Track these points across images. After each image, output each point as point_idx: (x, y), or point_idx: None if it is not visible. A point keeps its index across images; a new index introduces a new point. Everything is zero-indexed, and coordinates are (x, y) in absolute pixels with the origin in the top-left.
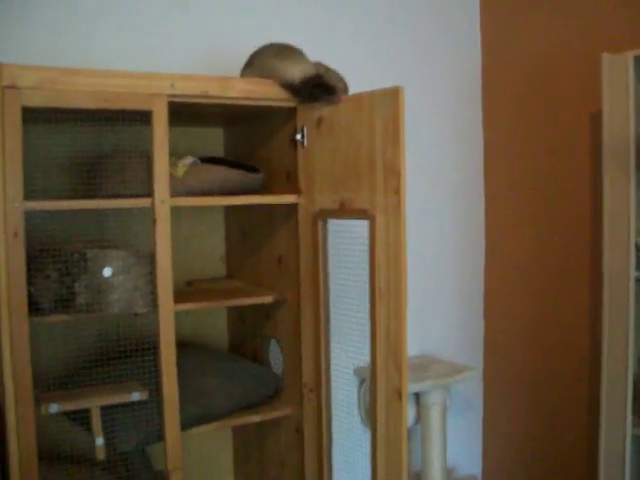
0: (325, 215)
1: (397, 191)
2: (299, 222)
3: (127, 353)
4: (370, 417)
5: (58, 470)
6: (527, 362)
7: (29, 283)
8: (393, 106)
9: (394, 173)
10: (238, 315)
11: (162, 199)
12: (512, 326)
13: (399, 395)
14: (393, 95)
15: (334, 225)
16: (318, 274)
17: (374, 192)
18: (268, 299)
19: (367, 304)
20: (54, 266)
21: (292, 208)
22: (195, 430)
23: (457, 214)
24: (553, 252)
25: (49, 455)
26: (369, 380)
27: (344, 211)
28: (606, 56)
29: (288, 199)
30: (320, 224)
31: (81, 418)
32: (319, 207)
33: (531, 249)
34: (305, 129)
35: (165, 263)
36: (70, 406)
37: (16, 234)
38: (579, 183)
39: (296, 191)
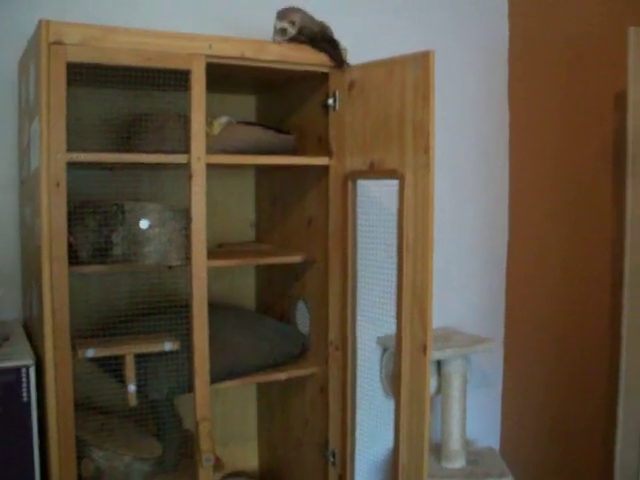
0: (355, 176)
1: (426, 150)
2: (329, 184)
3: (160, 308)
4: (393, 386)
5: (91, 419)
6: (547, 336)
7: (69, 233)
8: (424, 69)
9: (424, 133)
10: (266, 277)
11: (198, 156)
12: (533, 300)
13: (424, 349)
14: (424, 59)
15: (363, 187)
16: (347, 235)
17: (403, 152)
18: (297, 259)
19: (393, 267)
20: (93, 217)
21: (322, 172)
22: (222, 385)
23: (481, 184)
24: (577, 224)
25: (82, 405)
26: (392, 348)
27: (374, 171)
28: (633, 30)
29: (319, 161)
30: (350, 185)
31: (114, 367)
32: (349, 169)
33: (555, 221)
34: (337, 93)
35: (199, 218)
36: (105, 352)
37: (58, 184)
38: (604, 151)
39: (327, 154)
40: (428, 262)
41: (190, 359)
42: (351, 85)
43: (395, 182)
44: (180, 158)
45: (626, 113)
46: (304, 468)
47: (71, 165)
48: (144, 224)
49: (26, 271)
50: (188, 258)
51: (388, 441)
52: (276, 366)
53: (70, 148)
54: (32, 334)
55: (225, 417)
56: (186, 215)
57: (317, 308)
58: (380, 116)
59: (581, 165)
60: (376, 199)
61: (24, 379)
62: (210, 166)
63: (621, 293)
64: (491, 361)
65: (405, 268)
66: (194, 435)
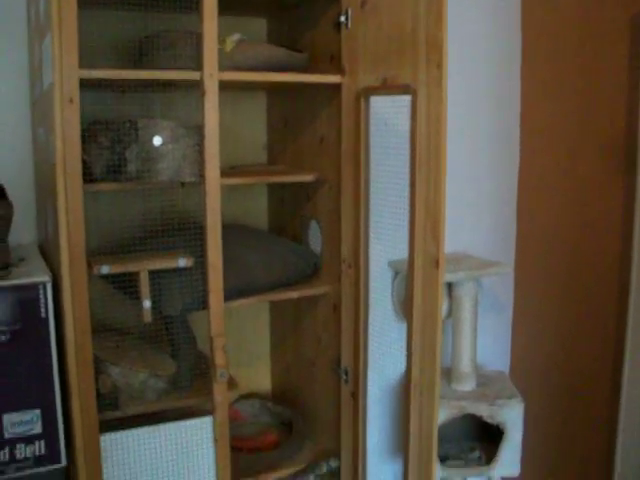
0: (368, 92)
1: (439, 65)
2: (342, 102)
3: (173, 227)
4: (405, 310)
5: (106, 339)
6: (558, 262)
7: (82, 151)
8: None
9: (437, 47)
10: (278, 198)
11: (211, 72)
12: (544, 227)
13: (436, 264)
14: None
15: (376, 106)
16: (359, 153)
17: (416, 68)
18: (309, 178)
19: (405, 188)
20: (106, 135)
21: (334, 91)
22: (235, 303)
23: (493, 105)
24: (589, 152)
25: (97, 326)
26: (404, 272)
27: (386, 87)
28: None
29: (332, 79)
30: (363, 102)
31: (129, 285)
32: (362, 86)
33: (567, 148)
34: (349, 11)
35: (213, 135)
36: (119, 269)
37: (71, 100)
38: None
39: (340, 72)
40: (441, 177)
41: (204, 275)
42: (364, 1)
43: (408, 100)
44: (192, 75)
45: None
46: (316, 388)
47: (83, 87)
48: (157, 141)
49: (40, 194)
50: (202, 175)
51: (400, 366)
52: (289, 285)
53: (82, 67)
54: (47, 255)
55: (238, 339)
56: (199, 132)
57: (329, 228)
58: (393, 32)
59: (597, 99)
60: (389, 119)
61: (41, 295)
62: (222, 88)
63: (633, 215)
64: (502, 287)
65: (418, 183)
66: (208, 351)
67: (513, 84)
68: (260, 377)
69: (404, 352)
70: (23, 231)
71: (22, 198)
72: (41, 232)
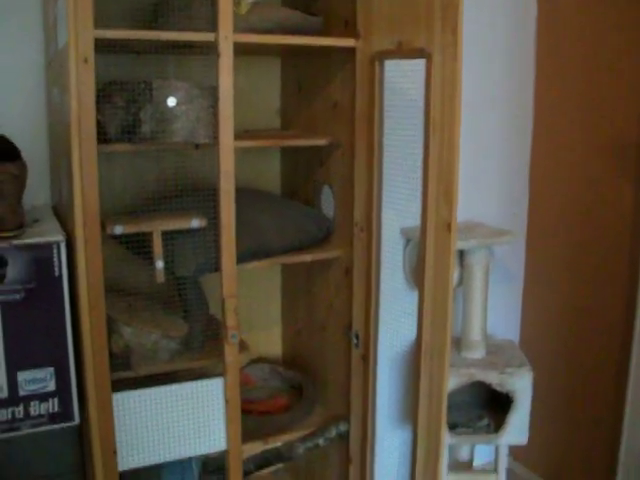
0: (382, 56)
1: (454, 30)
2: (356, 67)
3: (186, 190)
4: (417, 277)
5: (119, 300)
6: (570, 232)
7: (97, 111)
8: None
9: (452, 12)
10: (291, 163)
11: (226, 34)
12: (557, 197)
13: (448, 227)
14: None
15: (390, 68)
16: (373, 117)
17: (431, 31)
18: (322, 142)
19: (419, 154)
20: (121, 96)
21: (348, 56)
22: (248, 265)
23: (507, 76)
24: (605, 120)
25: (110, 288)
26: (416, 239)
27: (401, 51)
28: None
29: (347, 42)
30: (377, 66)
31: (142, 245)
32: (376, 50)
33: (581, 117)
34: None
35: (227, 96)
36: (133, 228)
37: (86, 60)
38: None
39: (354, 36)
40: (455, 139)
41: (217, 237)
42: None
43: (423, 66)
44: (207, 37)
45: None
46: (327, 352)
47: (98, 50)
48: (172, 101)
49: (54, 156)
50: (215, 137)
51: (410, 334)
52: (301, 249)
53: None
54: (61, 217)
55: (250, 304)
56: (213, 93)
57: (342, 192)
58: None
59: (614, 74)
60: (403, 85)
61: (55, 255)
62: (236, 52)
63: None
64: (513, 257)
65: (431, 147)
66: (220, 315)
67: (528, 52)
68: (271, 342)
69: (415, 320)
70: (37, 193)
71: (36, 160)
72: (55, 194)
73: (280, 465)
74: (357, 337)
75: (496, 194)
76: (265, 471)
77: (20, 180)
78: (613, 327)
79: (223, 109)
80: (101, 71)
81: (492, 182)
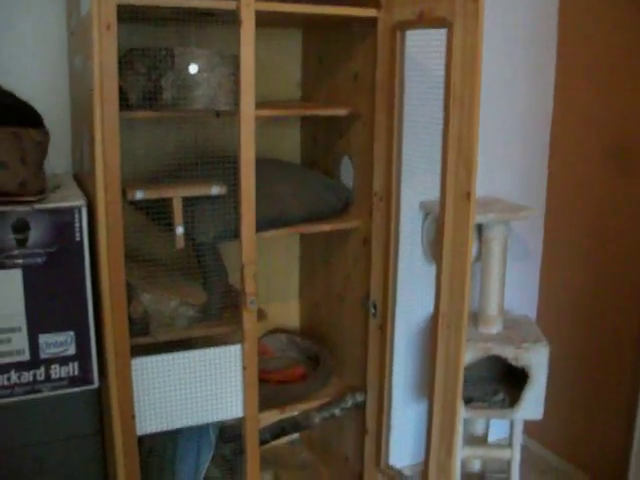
0: (403, 26)
1: None
2: (378, 38)
3: (207, 157)
4: (434, 251)
5: (139, 268)
6: (588, 209)
7: (119, 77)
8: None
9: None
10: (311, 134)
11: (247, 2)
12: (575, 175)
13: (467, 196)
14: None
15: (411, 39)
16: (394, 87)
17: (453, 1)
18: (343, 112)
19: (439, 126)
20: (142, 62)
21: (370, 26)
22: (267, 234)
23: (528, 49)
24: (628, 94)
25: (130, 255)
26: (435, 213)
27: (423, 21)
28: None
29: (368, 12)
30: (399, 35)
31: (162, 211)
32: (398, 20)
33: (604, 91)
34: None
35: (248, 65)
36: (153, 194)
37: (109, 27)
38: None
39: (376, 6)
40: (474, 110)
41: (237, 203)
42: None
43: (444, 38)
44: (229, 4)
45: None
46: (345, 323)
47: (120, 19)
48: (193, 68)
49: (76, 123)
50: (236, 104)
51: (427, 308)
52: (320, 219)
53: None
54: (82, 184)
55: (268, 275)
56: (234, 61)
57: (362, 163)
58: None
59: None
60: (424, 57)
61: (77, 219)
62: (258, 23)
63: None
64: (531, 234)
65: (451, 117)
66: (239, 283)
67: (550, 26)
68: (289, 312)
69: (432, 293)
70: (59, 162)
71: (58, 128)
72: (76, 162)
73: (296, 435)
74: (375, 307)
75: (515, 170)
76: (281, 441)
77: (42, 146)
78: (631, 304)
79: (244, 77)
80: (123, 40)
81: (511, 158)
